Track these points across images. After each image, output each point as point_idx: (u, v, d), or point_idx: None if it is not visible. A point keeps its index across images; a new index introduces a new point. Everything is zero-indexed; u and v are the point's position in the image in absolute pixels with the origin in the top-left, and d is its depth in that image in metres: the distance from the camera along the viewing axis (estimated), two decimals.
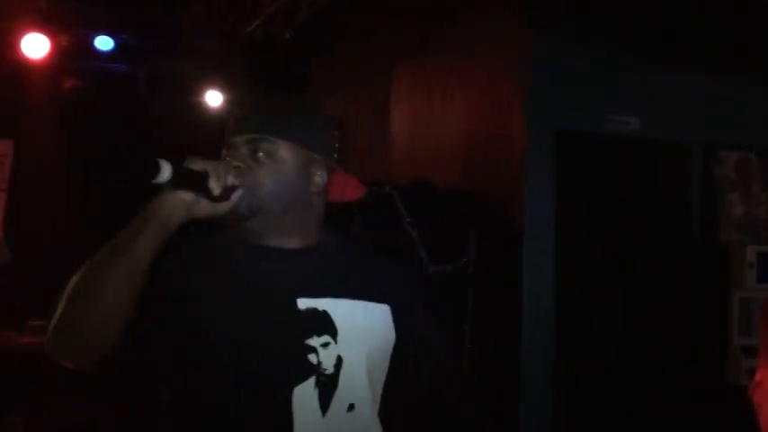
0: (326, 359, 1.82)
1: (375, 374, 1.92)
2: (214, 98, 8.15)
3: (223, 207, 1.80)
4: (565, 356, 5.16)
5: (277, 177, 1.89)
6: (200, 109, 8.21)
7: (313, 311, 1.86)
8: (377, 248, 5.21)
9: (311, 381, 1.79)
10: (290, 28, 7.28)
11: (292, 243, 1.95)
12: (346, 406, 1.83)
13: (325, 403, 1.80)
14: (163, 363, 1.89)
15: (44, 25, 7.40)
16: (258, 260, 1.91)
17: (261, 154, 1.89)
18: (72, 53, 7.78)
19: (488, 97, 5.60)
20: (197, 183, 1.74)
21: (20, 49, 7.36)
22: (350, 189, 2.13)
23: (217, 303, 1.82)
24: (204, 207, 1.77)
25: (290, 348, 1.82)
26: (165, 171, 1.66)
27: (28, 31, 7.32)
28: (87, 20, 7.78)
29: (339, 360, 1.83)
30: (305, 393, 1.79)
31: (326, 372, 1.81)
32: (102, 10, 7.73)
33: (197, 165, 1.73)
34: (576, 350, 5.19)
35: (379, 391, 1.94)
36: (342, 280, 1.93)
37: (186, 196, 1.74)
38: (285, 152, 1.91)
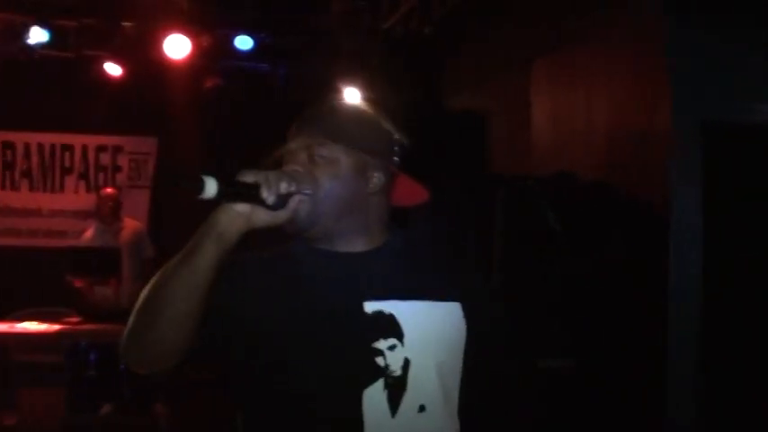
0: (394, 361, 1.84)
1: (447, 374, 1.93)
2: (352, 96, 8.19)
3: (282, 215, 1.83)
4: (712, 355, 4.98)
5: (334, 180, 1.91)
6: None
7: (379, 314, 1.87)
8: (520, 242, 5.17)
9: (380, 383, 1.82)
10: (427, 23, 7.25)
11: (357, 246, 1.96)
12: (417, 407, 1.85)
13: (394, 405, 1.83)
14: (234, 367, 1.94)
15: (185, 26, 7.57)
16: (325, 265, 1.93)
17: (317, 157, 1.92)
18: (213, 53, 7.95)
19: (631, 87, 5.46)
20: (249, 194, 1.77)
21: (162, 49, 7.55)
22: (414, 193, 2.11)
23: (285, 309, 1.85)
24: (262, 216, 1.80)
25: (357, 352, 1.85)
26: (211, 188, 1.71)
27: (170, 33, 7.51)
28: (227, 20, 7.93)
29: (406, 362, 1.85)
30: (374, 395, 1.81)
31: (394, 374, 1.84)
32: (242, 10, 7.86)
33: (248, 177, 1.76)
34: (725, 350, 5.00)
35: (455, 390, 1.95)
36: (408, 281, 1.94)
37: (242, 208, 1.77)
38: (341, 155, 1.93)
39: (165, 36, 7.51)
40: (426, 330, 1.90)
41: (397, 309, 1.88)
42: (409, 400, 1.84)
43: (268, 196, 1.76)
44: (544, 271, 5.15)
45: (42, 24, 7.35)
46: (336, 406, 1.81)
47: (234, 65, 8.21)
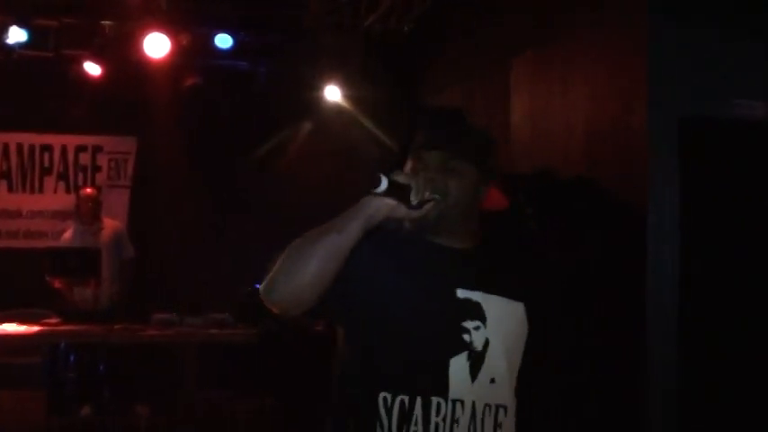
0: (477, 339, 2.26)
1: (512, 359, 2.32)
2: (333, 93, 8.19)
3: (416, 213, 2.20)
4: (690, 352, 4.99)
5: (461, 192, 2.29)
6: (320, 104, 8.27)
7: (468, 301, 2.29)
8: (496, 238, 5.16)
9: (464, 355, 2.24)
10: (407, 21, 7.26)
11: (458, 243, 2.35)
12: (490, 378, 2.26)
13: (474, 373, 2.24)
14: (349, 323, 2.35)
15: (165, 25, 7.55)
16: (431, 255, 2.33)
17: (450, 170, 2.29)
18: (192, 52, 7.94)
19: (609, 84, 5.46)
20: (401, 193, 2.13)
21: (142, 48, 7.53)
22: (498, 200, 2.59)
23: (396, 285, 2.26)
24: (402, 211, 2.18)
25: (449, 327, 2.26)
26: (383, 184, 2.08)
27: (149, 31, 7.49)
28: (207, 19, 7.92)
29: (486, 342, 2.26)
30: (459, 363, 2.24)
31: (476, 349, 2.25)
32: (221, 8, 7.84)
33: (402, 178, 2.13)
34: (702, 345, 5.01)
35: (515, 372, 2.33)
36: (492, 278, 2.31)
37: (390, 201, 2.14)
38: (467, 171, 2.32)
39: (144, 35, 7.49)
40: (501, 320, 2.30)
41: (483, 299, 2.29)
42: (485, 372, 2.26)
43: (414, 199, 2.14)
44: (522, 269, 5.14)
45: (21, 24, 7.33)
46: (429, 366, 2.23)
47: (214, 63, 8.20)
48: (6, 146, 8.95)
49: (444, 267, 2.31)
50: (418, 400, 2.21)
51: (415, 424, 2.20)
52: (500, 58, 6.89)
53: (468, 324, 2.26)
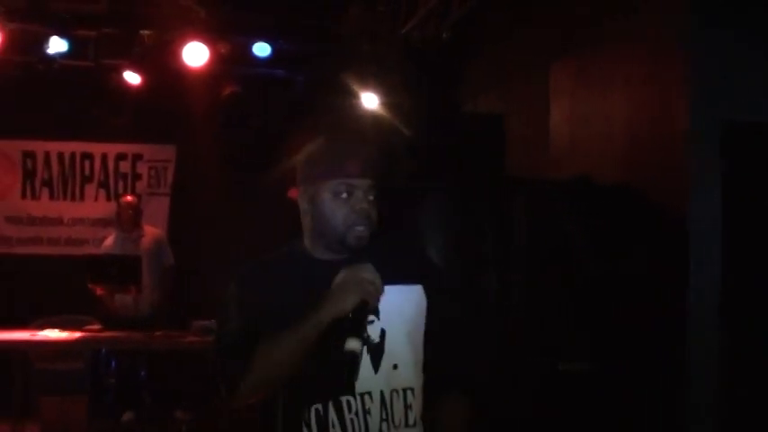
0: (373, 332, 2.34)
1: (415, 341, 2.43)
2: (370, 100, 8.19)
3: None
4: (733, 358, 4.94)
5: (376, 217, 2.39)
6: (357, 112, 8.28)
7: None
8: (537, 246, 5.14)
9: (364, 349, 2.28)
10: (445, 27, 7.25)
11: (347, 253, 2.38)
12: (392, 365, 2.36)
13: (376, 364, 2.34)
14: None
15: (203, 34, 7.59)
16: (315, 271, 2.39)
17: (372, 198, 2.38)
18: (231, 60, 7.97)
19: (650, 88, 5.42)
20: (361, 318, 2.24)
21: (181, 57, 7.57)
22: None
23: (285, 304, 2.29)
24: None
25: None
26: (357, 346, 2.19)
27: (188, 41, 7.53)
28: (245, 27, 7.95)
29: (383, 332, 2.36)
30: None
31: (374, 342, 2.34)
32: (259, 17, 7.88)
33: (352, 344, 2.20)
34: (746, 354, 4.96)
35: (420, 352, 2.44)
36: (386, 268, 2.30)
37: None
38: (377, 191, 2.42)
39: (183, 44, 7.53)
40: (401, 307, 2.39)
41: None
42: (386, 360, 2.35)
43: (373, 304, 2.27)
44: (563, 275, 5.13)
45: (62, 34, 7.40)
46: (332, 371, 2.22)
47: (252, 72, 8.22)
48: (47, 154, 9.06)
49: (333, 271, 2.31)
50: (330, 404, 2.31)
51: (333, 427, 2.31)
52: (538, 62, 6.88)
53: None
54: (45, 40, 7.39)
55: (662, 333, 5.01)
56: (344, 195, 2.35)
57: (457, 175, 6.37)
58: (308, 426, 2.31)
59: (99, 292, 7.27)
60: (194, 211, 8.87)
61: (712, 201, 4.94)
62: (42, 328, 7.01)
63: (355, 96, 8.20)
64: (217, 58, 7.79)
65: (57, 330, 6.91)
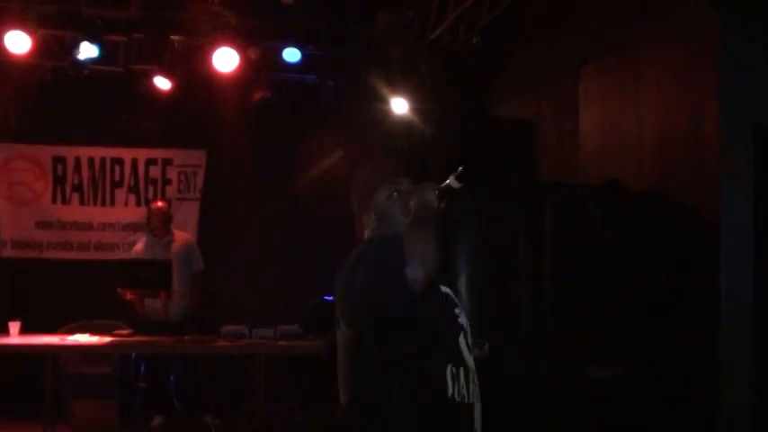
0: (463, 321, 2.82)
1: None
2: (399, 105, 8.17)
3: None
4: (766, 360, 4.89)
5: None
6: (387, 116, 8.27)
7: (448, 294, 2.85)
8: (568, 251, 5.10)
9: (462, 334, 2.78)
10: (475, 32, 7.23)
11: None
12: (470, 349, 2.80)
13: (468, 345, 2.79)
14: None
15: (233, 39, 7.62)
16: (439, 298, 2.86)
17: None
18: (261, 66, 8.00)
19: (679, 92, 5.39)
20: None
21: (211, 63, 7.60)
22: None
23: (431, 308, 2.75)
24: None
25: (451, 318, 2.83)
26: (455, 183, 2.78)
27: (218, 46, 7.56)
28: (275, 33, 7.97)
29: (466, 322, 2.86)
30: (461, 340, 2.76)
31: (466, 329, 2.80)
32: (290, 23, 7.89)
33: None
34: None
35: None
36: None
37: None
38: None
39: (213, 49, 7.56)
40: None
41: (445, 289, 2.83)
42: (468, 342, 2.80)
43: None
44: (594, 280, 5.09)
45: (92, 40, 7.44)
46: (452, 347, 2.72)
47: (282, 77, 8.24)
48: (78, 159, 9.10)
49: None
50: (458, 367, 2.73)
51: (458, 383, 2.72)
52: (568, 67, 6.85)
53: (457, 311, 2.80)
54: (75, 45, 7.45)
55: (694, 337, 4.97)
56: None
57: (487, 179, 6.35)
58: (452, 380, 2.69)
59: (129, 296, 7.29)
60: (224, 216, 8.89)
61: (744, 203, 4.90)
62: (72, 332, 7.04)
63: (385, 101, 8.19)
64: (247, 64, 7.82)
65: (87, 335, 6.93)
